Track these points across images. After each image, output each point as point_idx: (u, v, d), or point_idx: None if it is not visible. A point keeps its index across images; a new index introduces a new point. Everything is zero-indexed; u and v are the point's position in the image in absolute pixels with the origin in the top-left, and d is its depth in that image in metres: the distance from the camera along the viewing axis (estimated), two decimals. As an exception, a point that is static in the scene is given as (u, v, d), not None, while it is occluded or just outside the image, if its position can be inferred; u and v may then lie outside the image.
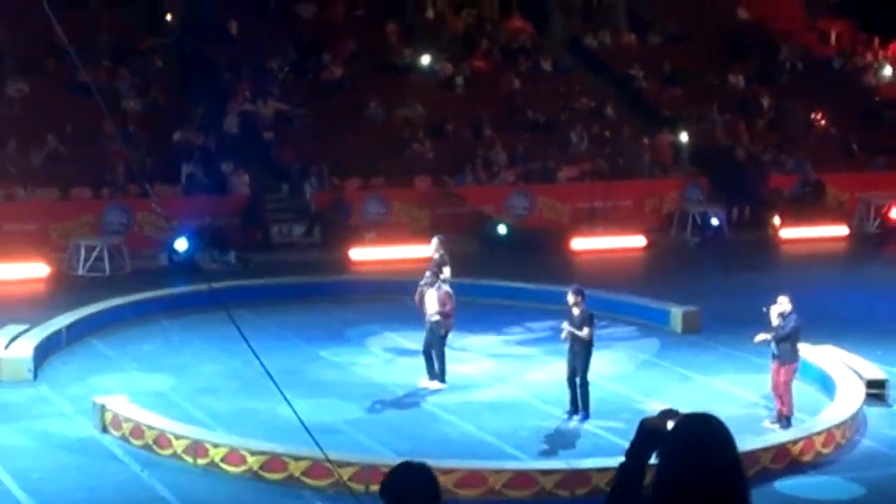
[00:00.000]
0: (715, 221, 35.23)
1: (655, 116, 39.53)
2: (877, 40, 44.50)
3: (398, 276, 26.68)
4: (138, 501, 16.23)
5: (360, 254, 31.43)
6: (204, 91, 35.22)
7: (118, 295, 25.62)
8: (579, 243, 33.25)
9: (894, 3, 42.58)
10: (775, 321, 18.86)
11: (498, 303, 26.50)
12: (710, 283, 28.89)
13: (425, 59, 38.87)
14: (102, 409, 18.53)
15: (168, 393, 20.57)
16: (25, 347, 21.58)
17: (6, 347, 21.63)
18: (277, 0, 39.97)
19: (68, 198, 32.06)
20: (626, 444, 5.18)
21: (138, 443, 17.89)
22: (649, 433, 5.12)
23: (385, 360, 23.00)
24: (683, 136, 38.27)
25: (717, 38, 42.76)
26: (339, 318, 25.59)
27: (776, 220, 35.72)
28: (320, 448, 13.94)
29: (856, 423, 19.28)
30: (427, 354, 21.00)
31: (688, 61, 41.41)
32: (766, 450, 17.65)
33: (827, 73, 42.62)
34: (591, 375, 19.73)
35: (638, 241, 34.00)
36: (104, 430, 18.41)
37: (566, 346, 19.53)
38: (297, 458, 16.69)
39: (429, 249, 23.08)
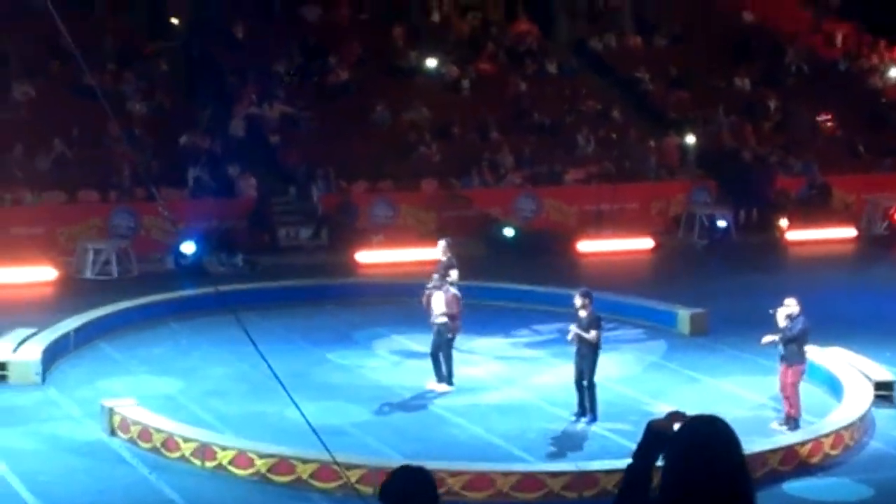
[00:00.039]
0: (722, 224, 35.23)
1: (662, 119, 39.51)
2: (882, 42, 44.45)
3: (405, 278, 26.67)
4: (146, 504, 16.25)
5: (367, 256, 31.45)
6: (210, 94, 35.25)
7: (126, 298, 25.66)
8: (586, 246, 33.24)
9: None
10: (783, 323, 18.85)
11: (505, 305, 26.50)
12: (717, 285, 28.87)
13: (431, 62, 38.88)
14: (111, 412, 18.55)
15: (176, 396, 20.59)
16: (34, 351, 21.61)
17: (14, 351, 21.66)
18: (283, 3, 40.03)
19: (75, 201, 32.08)
20: (634, 447, 5.18)
21: (146, 446, 17.90)
22: (656, 435, 5.12)
23: (392, 362, 23.00)
24: (690, 139, 38.26)
25: (723, 40, 42.72)
26: (346, 320, 25.60)
27: (783, 222, 35.69)
28: (328, 450, 13.99)
29: (864, 425, 19.27)
30: (435, 357, 21.00)
31: (694, 64, 41.39)
32: (774, 451, 17.65)
33: (833, 76, 42.57)
34: (599, 378, 19.73)
35: (645, 243, 33.99)
36: (112, 433, 18.42)
37: (573, 349, 19.54)
38: (304, 461, 16.69)
39: (436, 252, 23.07)
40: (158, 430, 17.90)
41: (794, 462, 17.78)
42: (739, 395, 21.10)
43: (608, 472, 16.26)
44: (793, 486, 17.26)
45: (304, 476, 16.67)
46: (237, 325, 12.48)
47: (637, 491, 5.13)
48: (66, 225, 31.20)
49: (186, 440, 17.61)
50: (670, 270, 31.98)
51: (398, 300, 25.74)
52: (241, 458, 17.09)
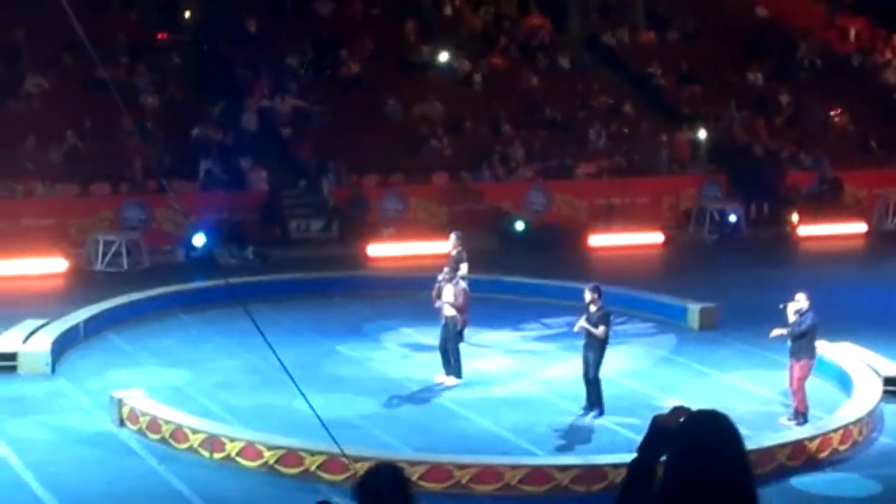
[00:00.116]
0: (733, 218, 35.22)
1: (674, 114, 39.48)
2: (896, 37, 44.41)
3: (415, 272, 26.68)
4: (155, 495, 16.28)
5: (377, 250, 31.47)
6: (222, 88, 35.29)
7: (136, 290, 25.72)
8: (597, 240, 33.25)
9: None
10: (792, 318, 18.83)
11: (515, 299, 26.50)
12: (727, 279, 28.86)
13: (443, 57, 38.88)
14: (120, 403, 18.59)
15: (185, 387, 20.62)
16: (44, 341, 21.68)
17: (25, 341, 21.73)
18: (295, -3, 40.06)
19: (87, 193, 32.15)
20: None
21: (155, 437, 17.94)
22: (661, 430, 5.12)
23: (401, 355, 23.02)
24: (701, 133, 38.23)
25: (736, 35, 42.64)
26: (355, 313, 25.63)
27: (794, 217, 35.67)
28: (336, 443, 14.00)
29: (873, 421, 19.24)
30: (443, 350, 21.01)
31: (706, 58, 41.33)
32: (783, 446, 17.63)
33: (846, 70, 42.49)
34: (608, 372, 19.74)
35: (655, 237, 34.00)
36: (121, 424, 18.47)
37: (582, 343, 19.53)
38: (312, 453, 16.72)
39: (447, 246, 23.08)
40: (167, 422, 17.94)
41: (802, 457, 17.76)
42: (749, 389, 21.08)
43: (616, 466, 16.23)
44: (801, 481, 17.24)
45: (313, 468, 16.70)
46: (247, 317, 12.50)
47: (641, 485, 5.13)
48: (78, 217, 31.28)
49: (195, 431, 17.64)
50: (680, 265, 31.98)
51: (408, 293, 25.75)
52: (250, 450, 17.12)
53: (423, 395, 20.61)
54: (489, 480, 16.54)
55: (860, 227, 36.03)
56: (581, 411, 19.57)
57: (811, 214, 35.65)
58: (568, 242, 32.64)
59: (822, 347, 20.15)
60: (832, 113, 40.45)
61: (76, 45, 32.19)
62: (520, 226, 33.19)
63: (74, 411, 19.41)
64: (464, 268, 22.09)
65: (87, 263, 29.71)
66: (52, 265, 28.83)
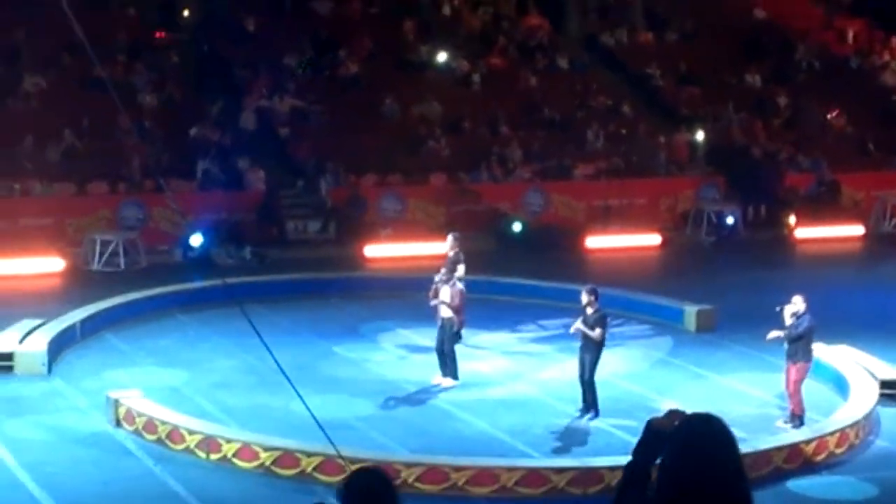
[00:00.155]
0: (730, 220, 35.21)
1: (672, 115, 39.49)
2: (894, 39, 44.35)
3: (413, 273, 26.67)
4: (151, 495, 16.28)
5: (374, 250, 31.46)
6: (220, 87, 35.28)
7: (133, 289, 25.70)
8: (594, 241, 33.25)
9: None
10: (789, 321, 18.84)
11: (512, 300, 26.50)
12: (724, 281, 28.86)
13: (442, 57, 38.87)
14: (116, 403, 18.59)
15: (182, 388, 20.61)
16: (40, 341, 21.67)
17: (21, 341, 21.71)
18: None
19: (84, 193, 32.14)
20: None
21: (151, 437, 17.94)
22: (656, 434, 5.12)
23: (398, 356, 23.01)
24: (699, 135, 38.22)
25: (734, 36, 42.65)
26: (353, 314, 25.63)
27: (792, 219, 35.65)
28: (333, 444, 14.02)
29: (869, 424, 19.26)
30: (440, 352, 21.00)
31: (704, 60, 41.33)
32: (779, 449, 17.65)
33: (844, 73, 42.50)
34: (605, 374, 19.75)
35: (653, 239, 33.99)
36: (118, 424, 18.47)
37: (579, 345, 19.53)
38: (309, 454, 16.72)
39: (444, 247, 23.07)
40: (163, 422, 17.94)
41: (798, 460, 17.77)
42: (746, 392, 21.08)
43: (613, 469, 16.23)
44: (797, 484, 17.27)
45: (309, 469, 16.70)
46: (244, 318, 12.50)
47: (636, 488, 5.13)
48: (75, 216, 31.27)
49: (191, 432, 17.65)
50: (678, 267, 31.97)
51: (405, 294, 25.74)
52: (246, 451, 17.13)
53: (420, 397, 20.61)
54: (485, 482, 16.55)
55: (858, 230, 36.03)
56: (577, 413, 19.57)
57: (809, 216, 35.65)
58: (565, 243, 32.63)
59: (819, 350, 20.16)
60: (829, 115, 40.38)
61: (76, 45, 32.18)
62: (517, 227, 33.19)
63: (71, 411, 19.41)
64: (461, 269, 22.10)
65: (85, 263, 29.69)
66: (49, 265, 28.81)
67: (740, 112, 39.63)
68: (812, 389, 19.84)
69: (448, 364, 20.91)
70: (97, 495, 16.23)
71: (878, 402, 19.86)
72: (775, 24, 43.99)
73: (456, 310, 21.02)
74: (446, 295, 20.93)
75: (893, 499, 17.07)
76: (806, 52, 42.92)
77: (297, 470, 16.77)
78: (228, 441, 17.35)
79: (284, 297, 26.00)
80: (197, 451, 17.46)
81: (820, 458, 17.97)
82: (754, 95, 40.75)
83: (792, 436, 18.41)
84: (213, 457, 17.30)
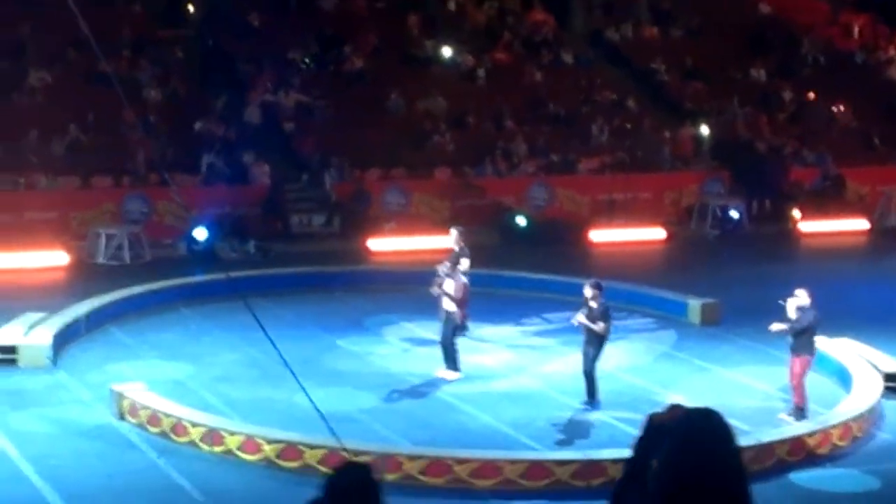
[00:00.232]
0: (735, 214, 35.21)
1: (677, 110, 39.49)
2: (900, 34, 44.39)
3: (417, 266, 26.68)
4: (155, 488, 16.28)
5: (379, 244, 31.49)
6: (225, 82, 35.31)
7: (137, 283, 25.71)
8: (598, 235, 33.26)
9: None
10: (793, 314, 18.84)
11: (516, 294, 26.51)
12: (729, 275, 28.87)
13: (447, 52, 38.88)
14: (120, 396, 18.61)
15: (185, 381, 20.63)
16: (45, 335, 21.69)
17: (26, 334, 21.74)
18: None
19: (89, 186, 32.19)
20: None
21: (155, 430, 17.95)
22: (656, 428, 5.15)
23: (402, 349, 23.02)
24: (704, 130, 38.23)
25: (739, 31, 42.65)
26: (357, 307, 25.65)
27: (796, 213, 35.66)
28: (336, 437, 14.02)
29: (873, 417, 19.24)
30: (444, 345, 21.02)
31: (709, 55, 41.33)
32: (782, 442, 17.64)
33: (849, 67, 42.47)
34: (610, 367, 19.77)
35: (657, 233, 34.00)
36: (121, 417, 18.48)
37: (583, 338, 19.53)
38: (312, 447, 16.71)
39: (448, 240, 23.09)
40: (167, 415, 17.95)
41: (802, 453, 17.75)
42: (749, 385, 21.07)
43: (616, 461, 16.23)
44: (800, 477, 17.24)
45: (312, 462, 16.68)
46: (248, 311, 12.52)
47: (637, 482, 5.16)
48: (80, 210, 31.31)
49: (195, 425, 17.65)
50: (682, 261, 31.98)
51: (409, 288, 25.76)
52: (249, 444, 17.13)
53: (424, 390, 20.61)
54: (489, 475, 16.54)
55: (862, 224, 36.02)
56: (581, 406, 19.58)
57: (813, 211, 35.66)
58: (570, 238, 32.65)
59: (822, 343, 20.16)
60: (836, 109, 40.36)
61: (81, 40, 32.21)
62: (521, 221, 33.20)
63: (75, 404, 19.43)
64: (465, 263, 22.10)
65: (89, 256, 29.74)
66: (53, 258, 28.85)
67: (745, 106, 39.63)
68: (815, 382, 19.84)
69: (450, 356, 20.92)
70: (101, 488, 16.24)
71: (882, 395, 19.84)
72: (780, 18, 43.98)
73: (459, 303, 21.04)
74: (450, 287, 20.95)
75: (896, 492, 17.09)
76: (811, 46, 42.90)
77: (301, 462, 16.76)
78: (232, 434, 17.36)
79: (288, 290, 26.03)
80: (200, 443, 17.46)
81: (823, 450, 17.94)
82: (759, 90, 40.75)
83: (795, 428, 18.41)
84: (217, 449, 17.31)
